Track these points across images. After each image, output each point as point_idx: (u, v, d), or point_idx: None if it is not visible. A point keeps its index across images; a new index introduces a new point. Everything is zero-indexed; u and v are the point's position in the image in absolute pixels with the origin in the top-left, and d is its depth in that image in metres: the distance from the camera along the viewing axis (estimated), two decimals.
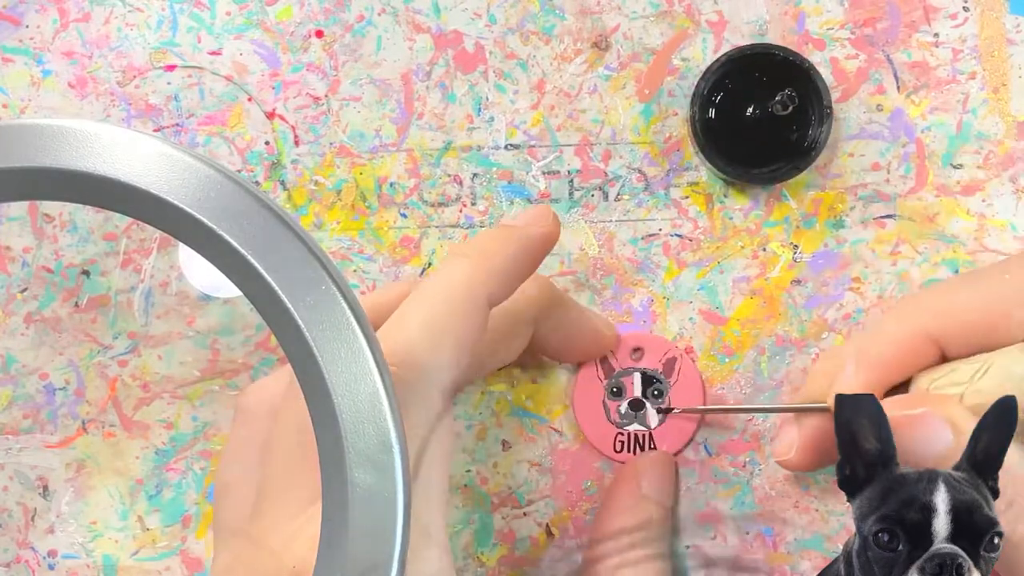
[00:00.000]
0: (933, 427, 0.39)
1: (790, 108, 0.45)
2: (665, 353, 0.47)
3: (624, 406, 0.47)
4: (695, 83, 0.46)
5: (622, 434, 0.47)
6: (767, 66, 0.46)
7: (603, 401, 0.47)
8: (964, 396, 0.40)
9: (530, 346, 0.45)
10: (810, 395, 0.44)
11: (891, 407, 0.40)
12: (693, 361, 0.47)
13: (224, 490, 0.40)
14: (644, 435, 0.47)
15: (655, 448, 0.47)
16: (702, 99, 0.46)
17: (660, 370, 0.47)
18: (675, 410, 0.47)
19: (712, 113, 0.46)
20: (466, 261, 0.38)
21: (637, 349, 0.47)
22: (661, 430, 0.47)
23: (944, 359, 0.42)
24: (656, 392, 0.47)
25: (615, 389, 0.47)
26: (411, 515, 0.34)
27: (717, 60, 0.46)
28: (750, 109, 0.46)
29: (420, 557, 0.35)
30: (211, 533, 0.48)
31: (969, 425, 0.39)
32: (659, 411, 0.47)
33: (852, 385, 0.42)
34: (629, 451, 0.47)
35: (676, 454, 0.47)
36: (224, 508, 0.40)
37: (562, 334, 0.45)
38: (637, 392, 0.47)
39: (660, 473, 0.46)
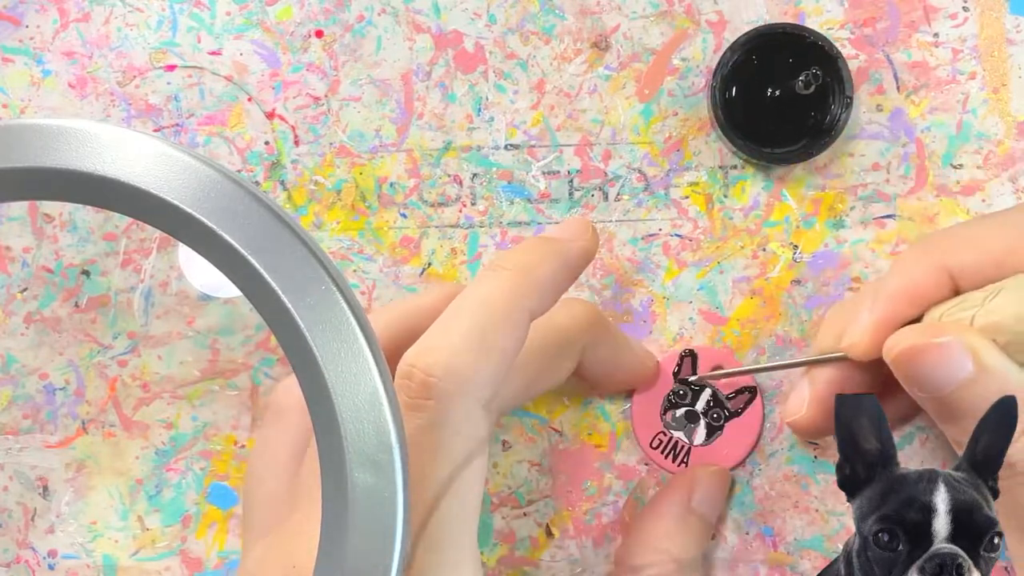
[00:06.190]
0: (955, 355, 0.38)
1: (812, 88, 0.45)
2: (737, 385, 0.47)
3: (680, 412, 0.47)
4: (721, 55, 0.46)
5: (664, 434, 0.47)
6: (795, 48, 0.45)
7: (667, 396, 0.47)
8: (975, 318, 0.39)
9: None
10: (822, 347, 0.44)
11: (912, 335, 0.39)
12: (762, 403, 0.47)
13: (256, 485, 0.40)
14: (683, 446, 0.47)
15: (687, 461, 0.47)
16: (725, 72, 0.46)
17: (730, 394, 0.47)
18: (692, 377, 0.46)
19: (733, 88, 0.46)
20: (506, 274, 0.38)
21: (717, 367, 0.47)
22: (700, 449, 0.47)
23: (957, 293, 0.41)
24: (715, 416, 0.47)
25: (681, 392, 0.47)
26: (446, 533, 0.34)
27: (745, 34, 0.46)
28: (771, 88, 0.46)
29: (456, 574, 0.35)
30: (210, 533, 0.48)
31: (991, 358, 0.38)
32: (680, 382, 0.46)
33: (867, 323, 0.41)
34: (663, 453, 0.47)
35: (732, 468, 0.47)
36: (255, 504, 0.40)
37: (605, 361, 0.45)
38: (700, 406, 0.47)
39: (714, 489, 0.45)
